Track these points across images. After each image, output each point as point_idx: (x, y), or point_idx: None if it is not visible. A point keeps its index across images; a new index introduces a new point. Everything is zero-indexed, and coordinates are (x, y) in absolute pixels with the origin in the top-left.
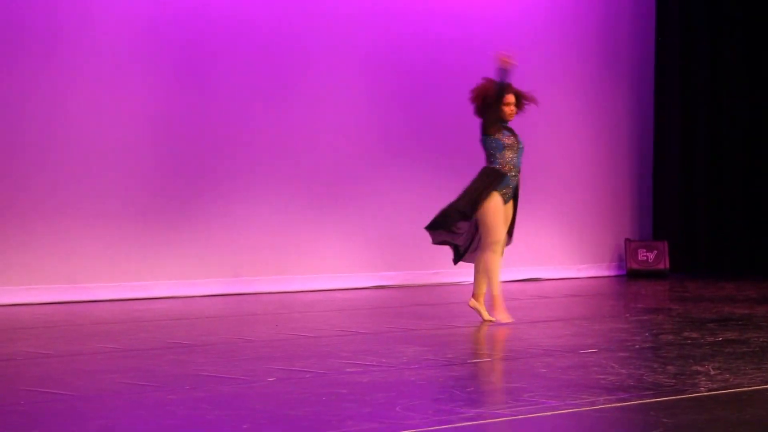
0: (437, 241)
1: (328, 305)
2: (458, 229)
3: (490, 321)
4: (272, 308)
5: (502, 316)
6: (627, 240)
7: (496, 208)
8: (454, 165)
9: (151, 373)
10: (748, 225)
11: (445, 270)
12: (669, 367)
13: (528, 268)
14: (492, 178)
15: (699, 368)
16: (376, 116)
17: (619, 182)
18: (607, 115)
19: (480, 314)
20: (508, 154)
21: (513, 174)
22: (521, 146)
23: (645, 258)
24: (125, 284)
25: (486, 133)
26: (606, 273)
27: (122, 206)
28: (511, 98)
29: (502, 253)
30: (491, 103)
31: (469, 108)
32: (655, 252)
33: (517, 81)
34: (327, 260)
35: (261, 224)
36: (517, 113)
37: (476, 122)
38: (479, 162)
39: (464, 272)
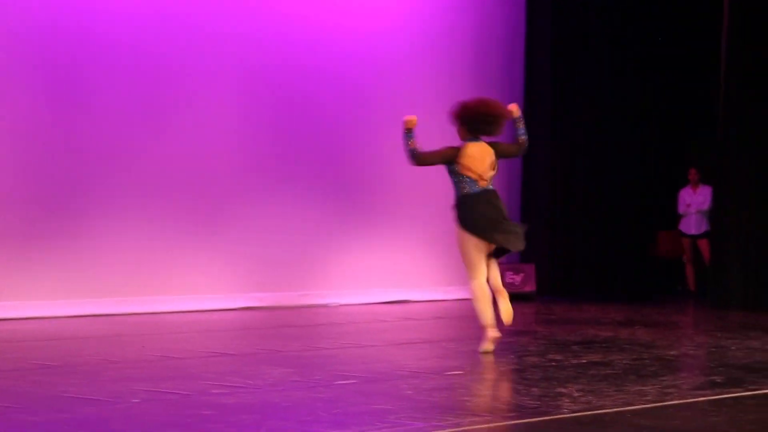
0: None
1: (196, 326)
2: None
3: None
4: (140, 329)
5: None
6: None
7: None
8: (322, 188)
9: (14, 395)
10: (613, 249)
11: (312, 291)
12: (533, 389)
13: (395, 290)
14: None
15: (563, 390)
16: (247, 139)
17: None
18: None
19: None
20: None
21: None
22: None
23: (512, 281)
24: None
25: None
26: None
27: None
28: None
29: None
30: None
31: (335, 132)
32: (522, 275)
33: (387, 98)
34: (196, 281)
35: (130, 245)
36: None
37: (339, 146)
38: (347, 184)
39: (332, 294)
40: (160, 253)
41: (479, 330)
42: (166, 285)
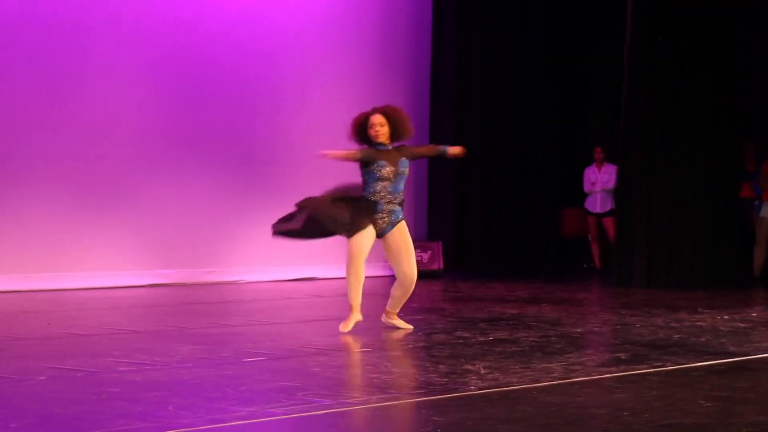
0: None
1: (103, 303)
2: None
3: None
4: (45, 306)
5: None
6: None
7: (363, 237)
8: (232, 165)
9: None
10: (520, 227)
11: (220, 269)
12: (441, 366)
13: (303, 267)
14: (366, 209)
15: (470, 367)
16: (156, 116)
17: None
18: None
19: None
20: (381, 185)
21: (387, 201)
22: (402, 172)
23: (419, 258)
24: None
25: (362, 164)
26: (381, 273)
27: None
28: (376, 119)
29: (409, 290)
30: (357, 132)
31: (243, 109)
32: (430, 252)
33: (292, 81)
34: (103, 258)
35: (37, 221)
36: (393, 132)
37: (252, 122)
38: (255, 160)
39: (240, 271)
40: (67, 230)
41: (383, 308)
42: (73, 261)
